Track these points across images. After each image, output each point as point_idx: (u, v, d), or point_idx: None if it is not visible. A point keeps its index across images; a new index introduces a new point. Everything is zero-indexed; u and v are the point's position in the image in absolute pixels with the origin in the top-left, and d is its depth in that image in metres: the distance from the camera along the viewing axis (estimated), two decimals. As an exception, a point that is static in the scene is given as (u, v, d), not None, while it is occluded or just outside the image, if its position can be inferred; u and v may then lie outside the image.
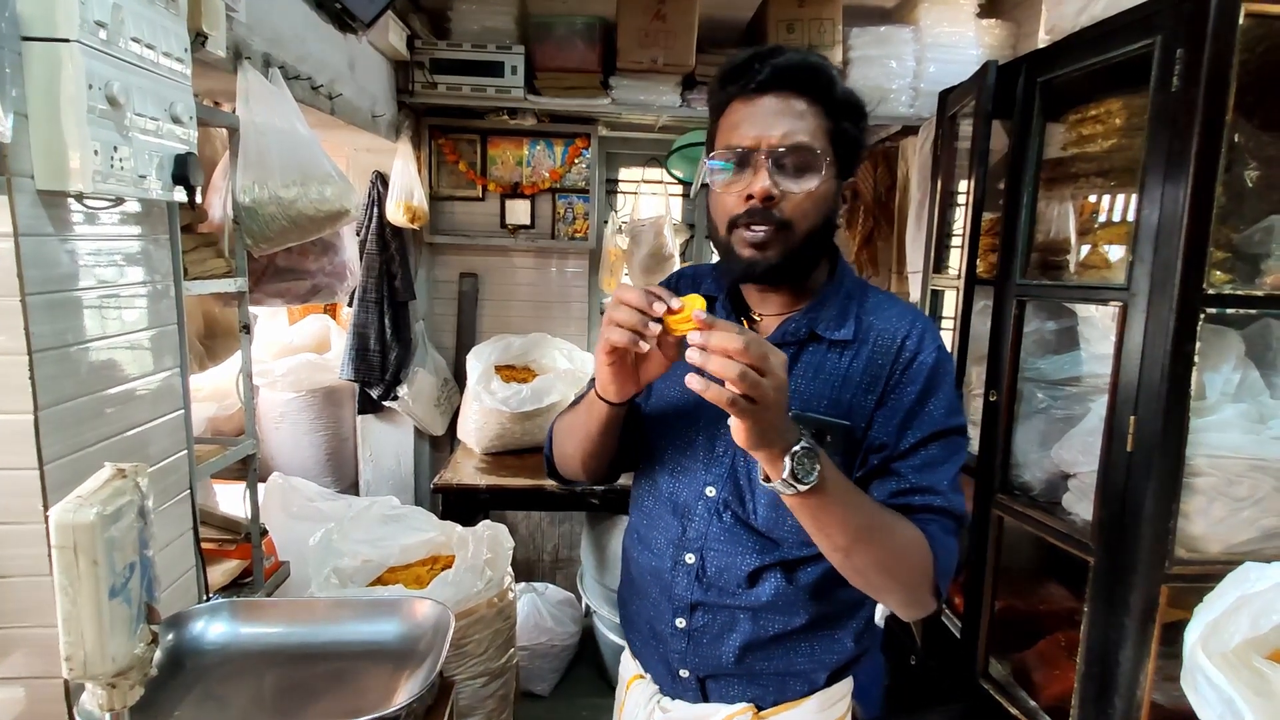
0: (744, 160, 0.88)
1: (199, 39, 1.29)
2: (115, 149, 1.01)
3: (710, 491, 0.96)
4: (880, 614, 1.07)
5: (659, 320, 0.78)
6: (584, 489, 2.30)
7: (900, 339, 0.93)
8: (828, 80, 0.88)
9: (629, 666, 1.11)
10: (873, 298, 0.98)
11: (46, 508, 0.99)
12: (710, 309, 0.98)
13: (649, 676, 1.06)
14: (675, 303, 0.77)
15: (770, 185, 0.85)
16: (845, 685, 1.01)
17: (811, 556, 0.94)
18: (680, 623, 0.98)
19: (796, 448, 0.75)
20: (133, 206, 1.17)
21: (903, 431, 0.91)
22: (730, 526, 0.95)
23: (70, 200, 1.03)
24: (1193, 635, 1.12)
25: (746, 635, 0.95)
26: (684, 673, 1.00)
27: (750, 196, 0.86)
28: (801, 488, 0.75)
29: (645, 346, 0.78)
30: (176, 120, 1.16)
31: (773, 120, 0.87)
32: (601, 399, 0.90)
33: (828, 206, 0.90)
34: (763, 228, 0.87)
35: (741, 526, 0.95)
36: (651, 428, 1.02)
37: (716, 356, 0.70)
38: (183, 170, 1.16)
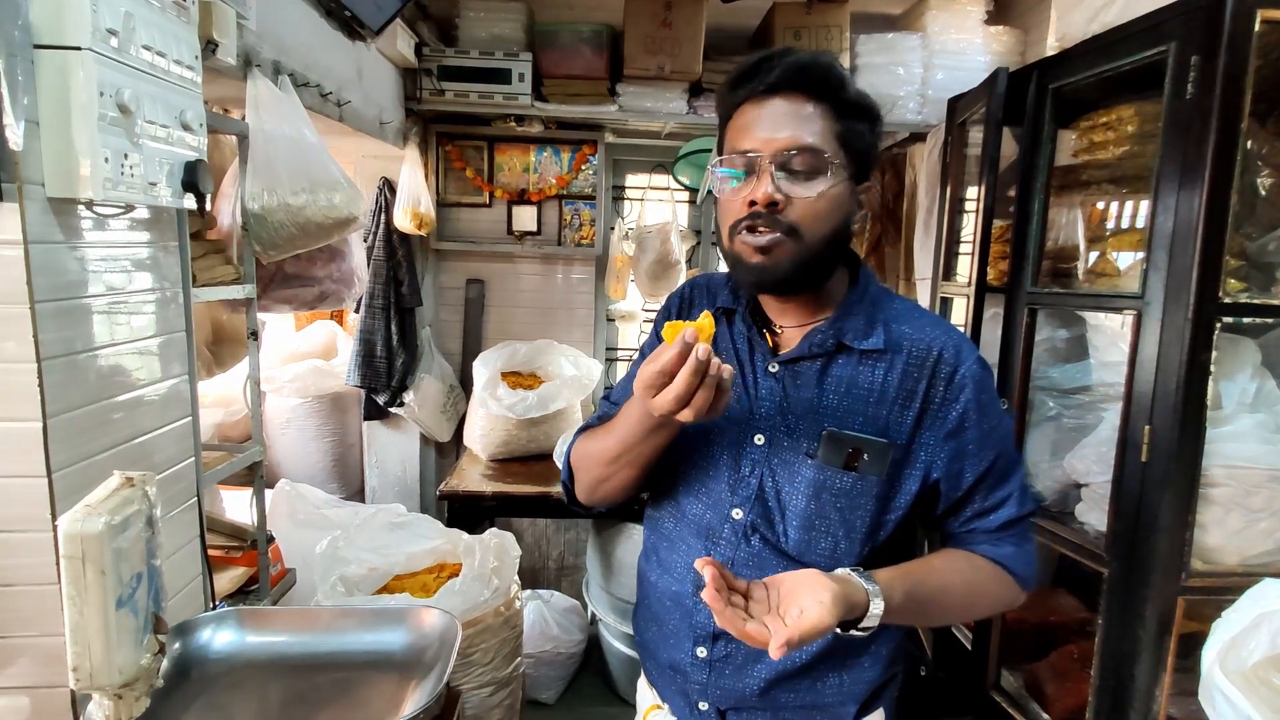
0: (750, 166, 0.85)
1: (209, 47, 1.30)
2: (125, 156, 1.01)
3: (737, 514, 0.91)
4: None
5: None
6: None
7: (936, 350, 0.89)
8: (838, 81, 0.86)
9: (646, 695, 1.06)
10: (899, 305, 0.95)
11: (54, 516, 0.98)
12: (730, 322, 0.96)
13: (667, 707, 1.01)
14: (690, 335, 0.73)
15: (773, 190, 0.82)
16: (876, 718, 0.97)
17: None
18: (701, 652, 0.93)
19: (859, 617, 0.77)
20: (142, 213, 1.17)
21: (967, 458, 0.89)
22: (759, 551, 0.90)
23: (80, 207, 1.03)
24: (1211, 652, 1.11)
25: (773, 666, 0.91)
26: (703, 705, 0.95)
27: (753, 203, 0.83)
28: (863, 633, 0.79)
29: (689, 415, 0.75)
30: (186, 127, 1.16)
31: (780, 123, 0.84)
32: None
33: (840, 211, 0.86)
34: (769, 233, 0.83)
35: (771, 550, 0.90)
36: (673, 445, 0.95)
37: None
38: (192, 177, 1.16)
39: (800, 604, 0.72)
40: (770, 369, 0.92)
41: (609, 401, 1.04)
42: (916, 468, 0.89)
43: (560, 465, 2.47)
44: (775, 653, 0.68)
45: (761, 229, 0.84)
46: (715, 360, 0.73)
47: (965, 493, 0.91)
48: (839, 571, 0.79)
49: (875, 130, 0.90)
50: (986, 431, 0.90)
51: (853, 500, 0.88)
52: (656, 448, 0.88)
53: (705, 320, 0.75)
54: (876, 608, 0.77)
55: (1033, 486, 1.76)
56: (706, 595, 0.70)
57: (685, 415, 0.74)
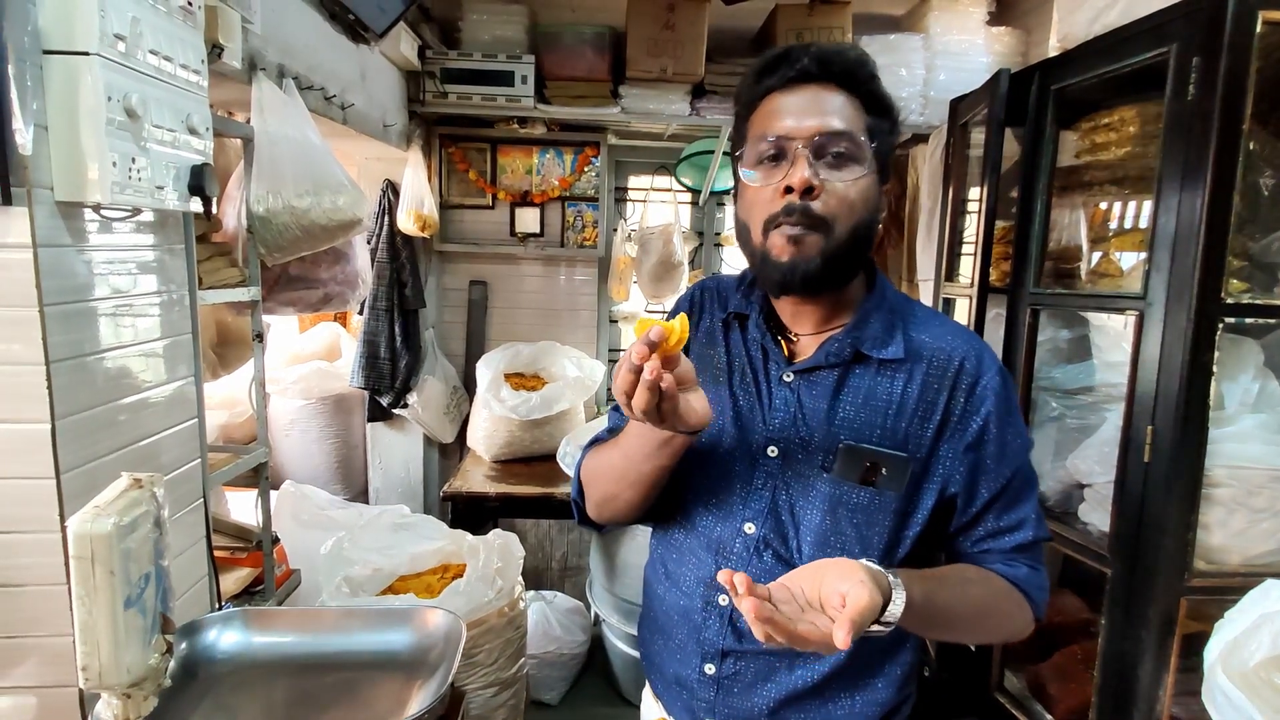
0: (781, 152, 0.81)
1: (215, 50, 1.31)
2: (133, 160, 1.02)
3: (749, 529, 0.87)
4: None
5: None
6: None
7: (958, 360, 0.85)
8: (868, 75, 0.83)
9: (651, 708, 1.02)
10: (918, 312, 0.91)
11: (63, 517, 0.99)
12: (743, 328, 0.93)
13: None
14: (655, 335, 0.69)
15: (810, 175, 0.78)
16: None
17: None
18: (709, 669, 0.90)
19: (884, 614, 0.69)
20: (149, 217, 1.18)
21: (984, 473, 0.86)
22: (771, 567, 0.86)
23: (88, 211, 1.04)
24: (1213, 653, 1.11)
25: (783, 686, 0.87)
26: None
27: (789, 189, 0.79)
28: (883, 629, 0.70)
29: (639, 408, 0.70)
30: (193, 131, 1.17)
31: (812, 108, 0.80)
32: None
33: (869, 205, 0.82)
34: (801, 226, 0.79)
35: (783, 567, 0.85)
36: (685, 454, 0.90)
37: None
38: (198, 180, 1.17)
39: (838, 590, 0.66)
40: (784, 378, 0.88)
41: (617, 412, 1.01)
42: (934, 481, 0.86)
43: (565, 469, 2.50)
44: (844, 643, 0.61)
45: (796, 221, 0.80)
46: (652, 362, 0.68)
47: (979, 510, 0.87)
48: (855, 562, 0.72)
49: (894, 131, 0.87)
50: (1004, 446, 0.86)
51: (870, 516, 0.85)
52: (660, 469, 0.83)
53: (678, 321, 0.72)
54: (899, 599, 0.70)
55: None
56: (747, 612, 0.63)
57: (635, 408, 0.71)
